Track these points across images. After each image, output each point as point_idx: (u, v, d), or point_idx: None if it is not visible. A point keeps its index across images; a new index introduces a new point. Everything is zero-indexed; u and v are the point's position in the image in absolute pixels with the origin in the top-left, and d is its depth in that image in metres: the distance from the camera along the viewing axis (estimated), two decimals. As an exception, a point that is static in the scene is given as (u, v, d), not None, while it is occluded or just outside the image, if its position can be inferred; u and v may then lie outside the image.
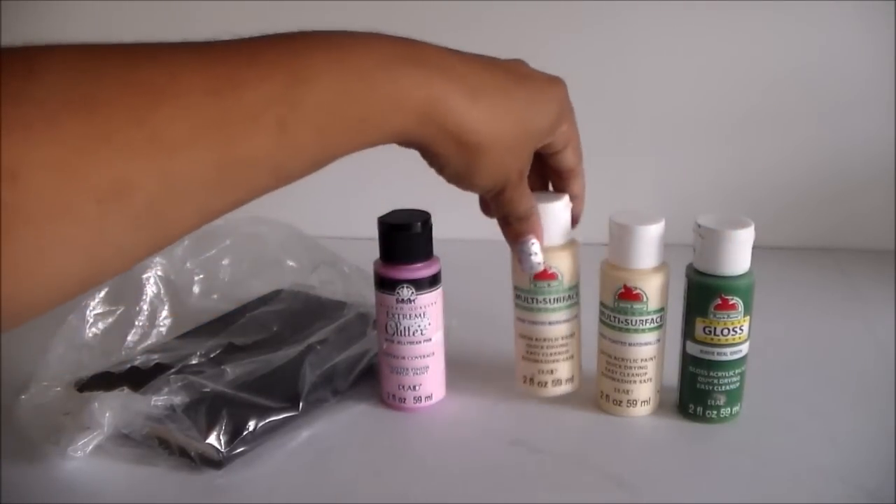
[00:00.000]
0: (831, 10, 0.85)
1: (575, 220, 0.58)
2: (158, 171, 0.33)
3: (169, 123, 0.33)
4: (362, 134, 0.41)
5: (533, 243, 0.53)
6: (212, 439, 0.53)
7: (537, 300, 0.57)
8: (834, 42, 0.86)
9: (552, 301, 0.57)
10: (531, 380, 0.60)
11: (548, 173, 0.57)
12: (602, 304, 0.57)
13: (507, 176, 0.49)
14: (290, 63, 0.37)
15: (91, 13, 0.94)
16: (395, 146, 0.45)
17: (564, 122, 0.52)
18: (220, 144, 0.35)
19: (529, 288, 0.57)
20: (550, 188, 0.58)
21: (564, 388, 0.60)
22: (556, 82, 0.51)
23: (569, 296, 0.58)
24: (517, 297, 0.59)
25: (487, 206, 0.55)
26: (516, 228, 0.53)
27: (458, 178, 0.48)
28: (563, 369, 0.59)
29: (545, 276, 0.56)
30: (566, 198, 0.56)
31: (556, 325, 0.58)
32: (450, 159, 0.46)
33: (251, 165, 0.36)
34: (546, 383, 0.59)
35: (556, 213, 0.56)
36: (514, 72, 0.49)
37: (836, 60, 0.87)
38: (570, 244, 0.57)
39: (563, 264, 0.57)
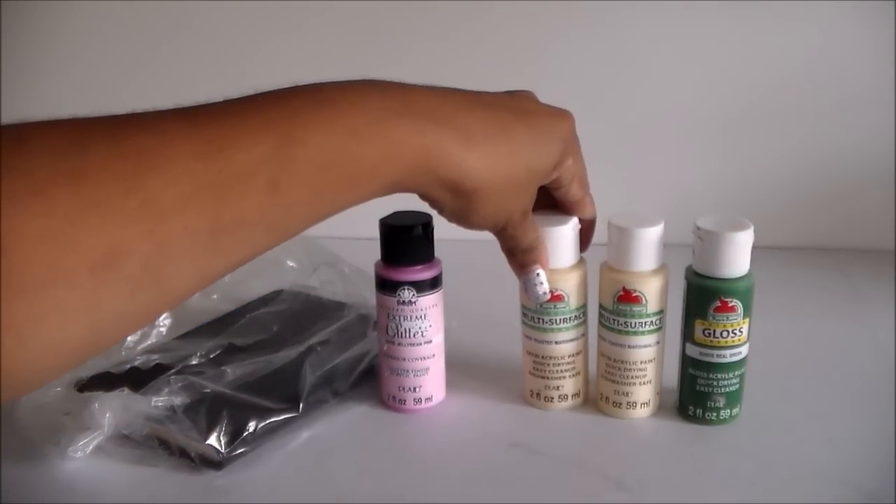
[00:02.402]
0: (831, 9, 0.85)
1: (584, 244, 0.57)
2: (151, 236, 0.33)
3: (159, 189, 0.33)
4: (356, 189, 0.41)
5: (538, 273, 0.53)
6: (212, 440, 0.53)
7: (544, 321, 0.57)
8: (834, 42, 0.86)
9: (559, 322, 0.57)
10: (538, 394, 0.60)
11: (556, 204, 0.56)
12: (601, 306, 0.57)
13: (509, 216, 0.49)
14: (280, 124, 0.37)
15: (91, 13, 0.94)
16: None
17: (569, 157, 0.51)
18: (213, 207, 0.35)
19: (536, 308, 0.57)
20: None
21: (570, 404, 0.60)
22: (561, 118, 0.50)
23: (575, 316, 0.57)
24: (524, 315, 0.58)
25: (508, 259, 0.55)
26: (521, 259, 0.53)
27: (457, 220, 0.48)
28: (569, 385, 0.59)
29: (552, 298, 0.56)
30: (574, 220, 0.56)
31: (562, 344, 0.58)
32: (446, 205, 0.46)
33: (245, 226, 0.37)
34: (552, 398, 0.59)
35: (563, 237, 0.55)
36: (517, 110, 0.48)
37: (835, 60, 0.87)
38: (579, 265, 0.57)
39: (570, 286, 0.56)
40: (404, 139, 0.41)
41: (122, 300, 0.34)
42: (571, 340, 0.58)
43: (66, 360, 0.34)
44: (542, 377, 0.59)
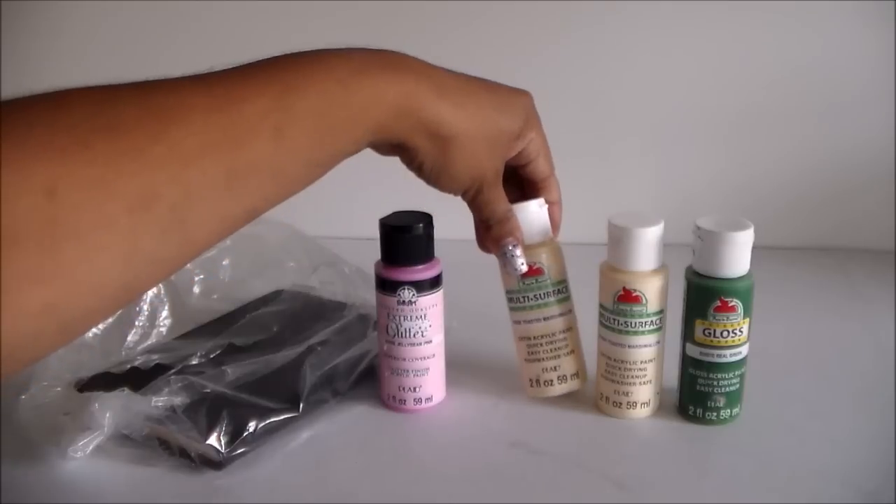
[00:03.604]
0: (831, 10, 0.85)
1: (555, 227, 0.59)
2: (176, 179, 0.37)
3: (182, 138, 0.37)
4: (347, 133, 0.45)
5: (515, 245, 0.55)
6: (212, 440, 0.53)
7: (528, 297, 0.58)
8: (834, 42, 0.86)
9: (542, 296, 0.58)
10: (537, 381, 0.60)
11: (524, 186, 0.58)
12: (601, 306, 0.57)
13: (483, 173, 0.52)
14: (280, 78, 0.42)
15: (91, 13, 0.94)
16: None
17: (532, 129, 0.55)
18: (227, 153, 0.39)
19: (519, 287, 0.58)
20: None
21: (572, 385, 0.60)
22: (521, 92, 0.55)
23: (558, 290, 0.58)
24: (510, 300, 0.59)
25: (482, 239, 0.57)
26: (496, 232, 0.55)
27: (436, 173, 0.51)
28: (567, 365, 0.59)
29: (531, 272, 0.57)
30: (541, 199, 0.57)
31: (550, 320, 0.58)
32: (426, 153, 0.50)
33: (255, 171, 0.40)
34: (552, 381, 0.59)
35: (531, 212, 0.57)
36: (481, 80, 0.53)
37: (836, 60, 0.87)
38: (550, 241, 0.58)
39: (545, 259, 0.57)
40: (386, 86, 0.46)
41: (154, 242, 0.37)
42: (559, 315, 0.58)
43: (109, 302, 0.37)
44: (538, 360, 0.59)
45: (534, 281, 0.57)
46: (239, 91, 0.40)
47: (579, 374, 0.60)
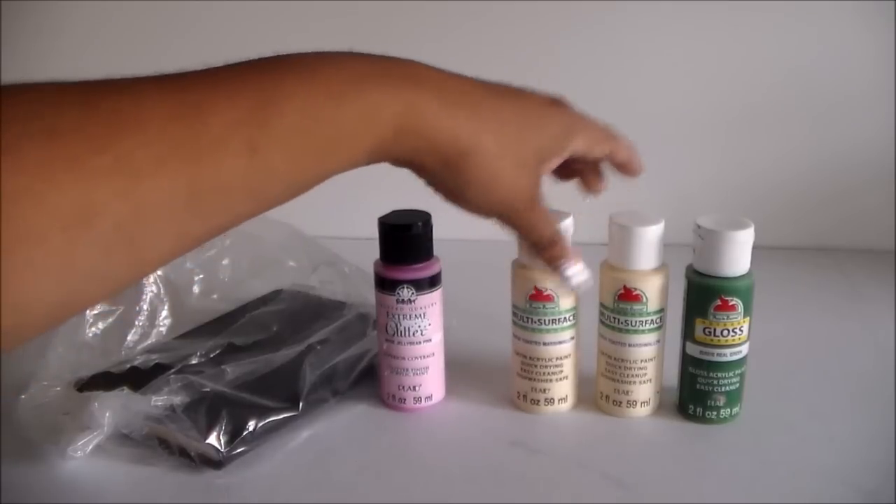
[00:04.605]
0: (831, 10, 0.85)
1: (634, 170, 0.55)
2: (125, 196, 0.33)
3: (133, 149, 0.33)
4: (336, 154, 0.40)
5: (568, 267, 0.52)
6: (212, 439, 0.53)
7: (532, 320, 0.57)
8: (834, 42, 0.86)
9: (547, 322, 0.57)
10: (524, 396, 0.60)
11: (589, 170, 0.55)
12: (602, 304, 0.57)
13: (512, 197, 0.47)
14: (257, 86, 0.37)
15: (91, 13, 0.94)
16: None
17: (575, 137, 0.49)
18: (189, 169, 0.35)
19: (525, 308, 0.57)
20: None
21: (557, 408, 0.59)
22: (554, 101, 0.50)
23: (564, 318, 0.57)
24: (514, 314, 0.58)
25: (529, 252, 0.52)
26: (546, 256, 0.51)
27: (452, 196, 0.46)
28: (557, 389, 0.59)
29: (541, 297, 0.56)
30: (569, 218, 0.56)
31: (550, 346, 0.58)
32: (435, 174, 0.45)
33: (225, 190, 0.36)
34: (539, 401, 0.59)
35: None
36: (507, 88, 0.47)
37: (836, 60, 0.87)
38: None
39: (558, 287, 0.56)
40: (381, 101, 0.40)
41: (95, 260, 0.33)
42: (560, 343, 0.58)
43: (40, 319, 0.34)
44: (529, 379, 0.59)
45: (541, 306, 0.56)
46: (207, 98, 0.35)
47: (567, 398, 0.60)
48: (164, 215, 0.34)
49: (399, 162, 0.44)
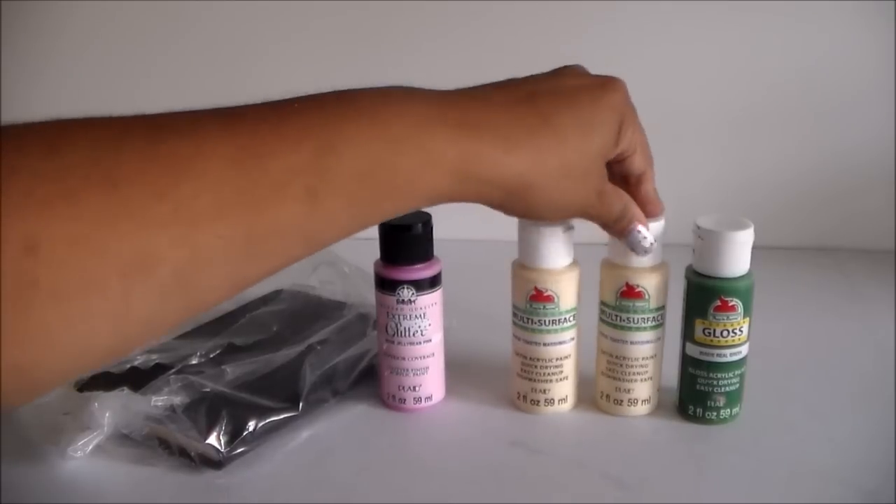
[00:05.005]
0: (831, 10, 0.85)
1: (655, 211, 0.54)
2: (183, 243, 0.33)
3: (192, 196, 0.33)
4: (394, 200, 0.40)
5: (638, 231, 0.52)
6: (212, 439, 0.53)
7: (531, 320, 0.57)
8: (834, 42, 0.86)
9: (547, 323, 0.57)
10: (524, 397, 0.60)
11: (613, 176, 0.54)
12: (603, 303, 0.57)
13: (581, 204, 0.48)
14: (318, 132, 0.37)
15: (91, 13, 0.94)
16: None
17: (628, 127, 0.49)
18: (248, 216, 0.35)
19: (525, 308, 0.57)
20: None
21: (557, 409, 0.59)
22: (608, 88, 0.49)
23: (564, 319, 0.57)
24: (514, 314, 0.58)
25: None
26: (616, 229, 0.52)
27: (521, 214, 0.48)
28: (557, 389, 0.59)
29: (541, 298, 0.56)
30: (570, 222, 0.55)
31: (550, 346, 0.57)
32: (501, 204, 0.45)
33: (281, 235, 0.36)
34: (539, 402, 0.59)
35: (557, 237, 0.55)
36: (561, 93, 0.47)
37: (836, 60, 0.87)
38: (571, 267, 0.57)
39: (561, 287, 0.56)
40: (439, 149, 0.41)
41: (151, 307, 0.33)
42: (560, 343, 0.57)
43: (90, 363, 0.34)
44: (529, 379, 0.59)
45: (542, 307, 0.56)
46: (266, 143, 0.35)
47: (567, 399, 0.60)
48: (220, 261, 0.35)
49: (463, 201, 0.44)
